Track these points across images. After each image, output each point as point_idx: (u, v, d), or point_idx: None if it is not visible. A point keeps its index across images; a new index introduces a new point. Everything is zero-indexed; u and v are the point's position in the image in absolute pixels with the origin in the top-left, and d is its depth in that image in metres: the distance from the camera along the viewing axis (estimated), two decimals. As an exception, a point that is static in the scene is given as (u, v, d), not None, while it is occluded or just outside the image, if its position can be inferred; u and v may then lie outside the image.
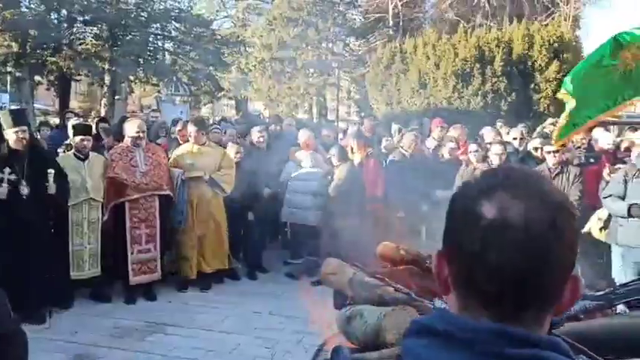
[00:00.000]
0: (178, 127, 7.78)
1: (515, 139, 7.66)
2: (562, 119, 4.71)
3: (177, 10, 18.92)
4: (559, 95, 4.70)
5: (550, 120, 8.96)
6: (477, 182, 0.87)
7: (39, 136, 7.76)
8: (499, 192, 0.82)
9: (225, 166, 6.42)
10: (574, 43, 14.29)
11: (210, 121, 10.91)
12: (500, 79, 12.74)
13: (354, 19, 23.01)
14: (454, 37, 14.09)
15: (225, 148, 6.85)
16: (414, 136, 7.20)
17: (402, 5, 22.03)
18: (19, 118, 5.36)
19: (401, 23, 22.25)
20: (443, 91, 13.05)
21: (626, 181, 5.10)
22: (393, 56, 14.59)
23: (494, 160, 6.14)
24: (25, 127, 5.30)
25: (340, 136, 8.47)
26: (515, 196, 0.81)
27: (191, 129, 6.47)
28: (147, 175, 5.90)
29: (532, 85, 12.77)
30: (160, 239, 6.01)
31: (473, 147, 6.66)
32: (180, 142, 7.14)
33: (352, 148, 7.11)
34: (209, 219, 6.36)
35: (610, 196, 5.19)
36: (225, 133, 7.87)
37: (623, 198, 5.09)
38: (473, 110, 12.77)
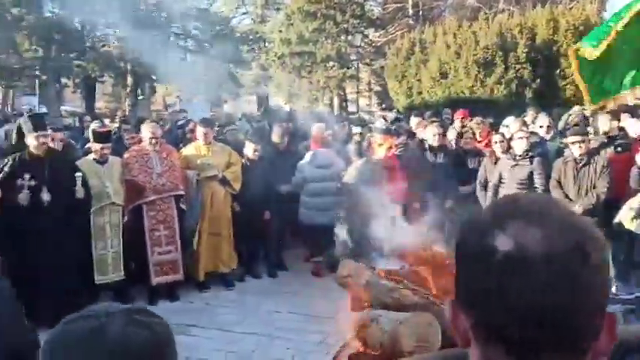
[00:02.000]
0: (190, 126, 7.80)
1: (541, 127, 7.47)
2: (582, 76, 4.43)
3: (196, 9, 19.02)
4: (576, 49, 4.37)
5: (577, 108, 8.72)
6: (485, 214, 0.77)
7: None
8: (512, 220, 0.72)
9: (233, 163, 6.42)
10: (600, 26, 13.89)
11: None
12: (524, 66, 12.46)
13: (373, 10, 22.79)
14: (475, 25, 13.84)
15: (242, 146, 6.83)
16: (438, 127, 7.05)
17: (421, -7, 21.74)
18: (39, 123, 5.38)
19: (421, 12, 21.96)
20: (464, 80, 12.83)
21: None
22: (412, 46, 14.41)
23: (517, 150, 5.99)
24: (46, 132, 5.34)
25: (357, 129, 8.33)
26: (531, 222, 0.71)
27: (201, 129, 6.47)
28: (162, 176, 5.92)
29: (557, 72, 12.45)
30: (180, 240, 6.01)
31: (497, 137, 6.51)
32: (193, 141, 7.13)
33: (376, 143, 7.00)
34: (223, 218, 6.37)
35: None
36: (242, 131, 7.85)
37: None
38: (496, 99, 12.52)
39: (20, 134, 5.27)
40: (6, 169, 5.14)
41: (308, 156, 6.77)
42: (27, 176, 5.10)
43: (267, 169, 6.66)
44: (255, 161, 6.63)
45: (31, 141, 5.23)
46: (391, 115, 10.48)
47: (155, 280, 5.95)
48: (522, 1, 19.63)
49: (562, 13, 13.33)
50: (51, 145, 5.60)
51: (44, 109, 20.92)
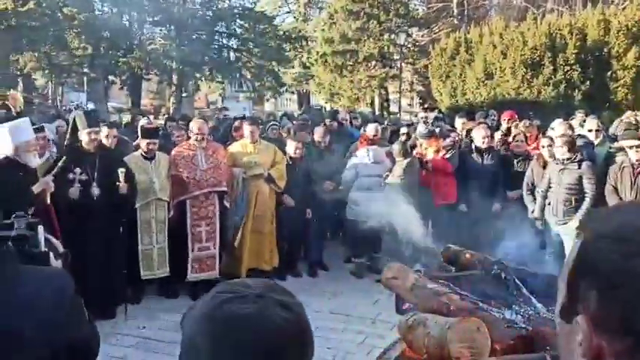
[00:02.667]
0: (236, 123, 7.87)
1: (590, 131, 7.25)
2: None
3: (241, 8, 19.25)
4: None
5: (629, 112, 8.41)
6: (626, 230, 0.70)
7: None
8: None
9: (278, 162, 6.45)
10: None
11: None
12: (574, 67, 12.11)
13: (417, 9, 22.58)
14: (523, 25, 13.54)
15: (284, 144, 6.86)
16: (487, 129, 6.93)
17: (467, -7, 21.41)
18: (92, 119, 5.56)
19: (466, 12, 21.62)
20: (511, 81, 12.56)
21: None
22: (457, 46, 14.22)
23: (558, 155, 5.83)
24: (97, 129, 5.50)
25: (404, 130, 8.28)
26: None
27: (248, 127, 6.51)
28: (207, 173, 5.99)
29: (608, 74, 12.05)
30: (219, 237, 6.07)
31: (545, 141, 6.34)
32: (237, 139, 7.18)
33: (422, 145, 6.94)
34: (267, 216, 6.41)
35: None
36: (283, 129, 7.89)
37: None
38: (543, 101, 12.22)
39: (74, 129, 5.43)
40: (60, 163, 5.31)
41: (362, 152, 6.74)
42: (78, 170, 5.24)
43: (309, 168, 6.68)
44: (296, 160, 6.65)
45: (83, 137, 5.38)
46: (431, 116, 10.33)
47: (191, 276, 6.00)
48: (572, 0, 19.11)
49: (614, 13, 12.91)
50: (104, 141, 5.75)
51: (92, 106, 21.60)
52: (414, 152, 6.86)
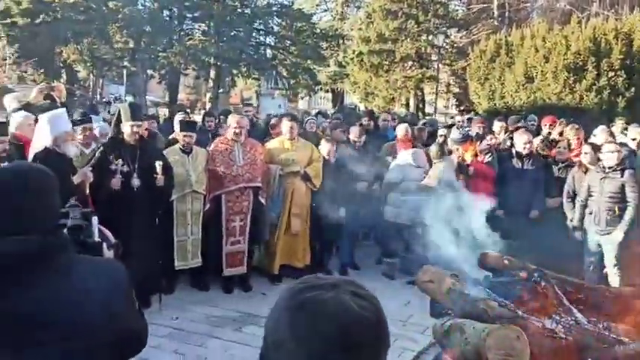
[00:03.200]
0: (273, 122, 7.90)
1: (634, 139, 7.07)
2: None
3: (279, 6, 19.34)
4: None
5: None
6: None
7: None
8: None
9: (315, 160, 6.46)
10: None
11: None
12: (618, 73, 11.78)
13: (457, 10, 22.31)
14: (566, 28, 13.23)
15: (319, 140, 6.87)
16: (528, 134, 6.81)
17: (508, -5, 21.05)
18: (136, 112, 5.63)
19: (507, 14, 21.26)
20: (552, 85, 12.29)
21: None
22: (497, 48, 13.98)
23: (608, 162, 5.68)
24: (140, 122, 5.59)
25: (442, 132, 8.21)
26: None
27: (289, 123, 6.53)
28: (243, 168, 6.05)
29: (654, 81, 11.69)
30: (250, 233, 6.11)
31: (587, 148, 6.19)
32: (273, 137, 7.21)
33: (457, 149, 6.86)
34: (302, 214, 6.43)
35: None
36: (319, 127, 7.88)
37: None
38: (585, 107, 11.93)
39: (118, 121, 5.54)
40: (97, 154, 5.43)
41: (405, 155, 6.69)
42: (120, 162, 5.35)
43: (344, 167, 6.67)
44: (327, 160, 6.64)
45: (126, 128, 5.49)
46: (462, 119, 10.15)
47: (227, 271, 6.08)
48: (618, 4, 18.59)
49: (662, 18, 12.51)
50: (144, 134, 5.85)
51: (130, 98, 22.03)
52: (453, 157, 6.78)
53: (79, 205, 1.98)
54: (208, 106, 20.06)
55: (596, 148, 6.06)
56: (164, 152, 5.87)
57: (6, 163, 4.60)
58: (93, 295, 1.52)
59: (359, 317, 0.92)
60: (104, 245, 1.91)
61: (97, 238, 1.90)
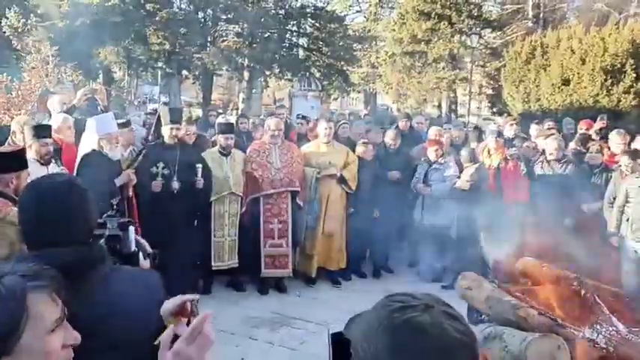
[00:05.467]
0: (310, 124, 7.95)
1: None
2: None
3: (312, 7, 19.42)
4: None
5: None
6: None
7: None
8: None
9: (350, 163, 6.50)
10: None
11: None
12: (657, 75, 11.53)
13: (491, 10, 22.04)
14: (604, 30, 12.97)
15: (353, 143, 6.92)
16: (560, 140, 6.74)
17: (544, -5, 20.70)
18: (175, 116, 5.77)
19: (542, 15, 20.92)
20: (589, 88, 12.07)
21: None
22: (533, 50, 13.79)
23: None
24: (179, 125, 5.71)
25: (473, 136, 8.15)
26: None
27: (325, 125, 6.58)
28: (281, 171, 6.13)
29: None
30: (292, 236, 6.20)
31: (624, 159, 6.08)
32: (310, 139, 7.26)
33: (489, 150, 6.84)
34: (338, 217, 6.49)
35: None
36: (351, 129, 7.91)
37: None
38: (623, 110, 11.69)
39: (158, 123, 5.70)
40: (140, 157, 5.58)
41: (451, 162, 6.71)
42: (161, 165, 5.50)
43: (378, 170, 6.71)
44: (366, 161, 6.69)
45: (165, 131, 5.64)
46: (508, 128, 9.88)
47: (265, 272, 6.18)
48: (658, 4, 18.11)
49: None
50: (186, 137, 5.98)
51: (164, 99, 22.41)
52: (484, 161, 6.77)
53: (116, 215, 2.03)
54: (241, 106, 20.28)
55: (635, 155, 5.95)
56: (203, 154, 6.00)
57: (52, 165, 4.79)
58: (130, 305, 1.56)
59: (458, 342, 0.95)
60: (140, 255, 1.98)
61: (133, 248, 1.94)
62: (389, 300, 1.05)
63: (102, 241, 1.80)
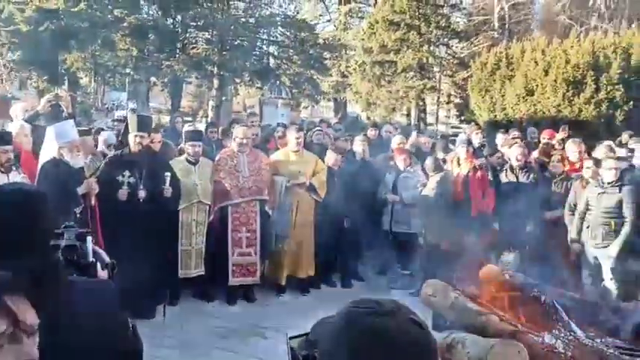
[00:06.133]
0: (278, 133, 7.96)
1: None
2: None
3: (283, 16, 19.46)
4: None
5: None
6: None
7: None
8: None
9: (318, 171, 6.54)
10: None
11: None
12: (617, 87, 11.90)
13: (458, 21, 22.46)
14: (566, 42, 13.36)
15: (322, 151, 6.96)
16: (523, 147, 6.91)
17: (508, 7, 21.19)
18: (143, 124, 5.67)
19: (507, 26, 21.42)
20: (551, 98, 12.41)
21: None
22: (498, 61, 14.11)
23: (607, 178, 5.77)
24: (144, 133, 5.63)
25: (440, 144, 8.28)
26: None
27: (295, 134, 6.59)
28: (249, 180, 6.12)
29: (653, 95, 11.80)
30: (260, 244, 6.19)
31: (589, 162, 6.28)
32: (279, 147, 7.27)
33: (458, 159, 6.95)
34: (307, 225, 6.50)
35: None
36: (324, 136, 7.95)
37: None
38: (584, 120, 12.04)
39: (126, 131, 5.62)
40: (101, 166, 5.50)
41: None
42: (127, 173, 5.43)
43: (347, 178, 6.75)
44: (331, 169, 6.72)
45: (131, 139, 5.57)
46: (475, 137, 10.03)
47: (233, 280, 6.15)
48: (616, 19, 18.76)
49: (661, 33, 12.64)
50: (151, 145, 5.91)
51: (132, 105, 22.10)
52: (449, 169, 6.89)
53: (74, 225, 1.98)
54: (210, 114, 20.14)
55: (599, 163, 6.14)
56: (171, 163, 5.95)
57: (13, 172, 4.68)
58: (83, 317, 1.53)
59: (417, 345, 0.97)
60: (98, 265, 1.95)
61: (90, 259, 1.91)
62: (354, 305, 1.05)
63: (59, 252, 1.78)
